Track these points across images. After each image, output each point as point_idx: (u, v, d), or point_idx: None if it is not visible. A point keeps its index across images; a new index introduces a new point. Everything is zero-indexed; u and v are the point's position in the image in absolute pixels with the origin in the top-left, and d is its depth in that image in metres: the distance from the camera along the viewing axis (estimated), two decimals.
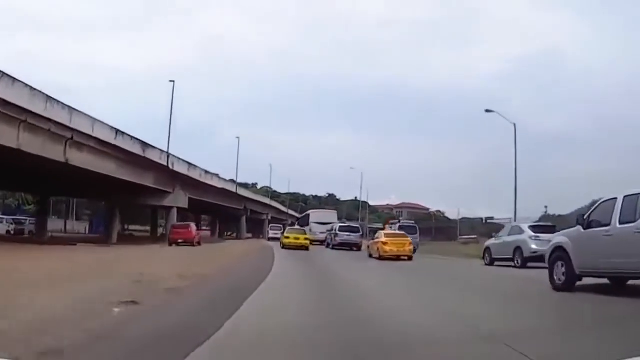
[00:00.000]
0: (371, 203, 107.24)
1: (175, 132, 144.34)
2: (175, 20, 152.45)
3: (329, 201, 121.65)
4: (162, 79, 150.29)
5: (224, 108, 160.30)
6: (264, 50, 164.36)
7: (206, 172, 53.86)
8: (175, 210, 48.06)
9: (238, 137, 74.25)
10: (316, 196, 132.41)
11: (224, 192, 62.46)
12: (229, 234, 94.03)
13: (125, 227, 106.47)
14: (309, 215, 58.61)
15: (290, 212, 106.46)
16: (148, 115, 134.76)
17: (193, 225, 41.52)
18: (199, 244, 37.50)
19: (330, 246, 40.78)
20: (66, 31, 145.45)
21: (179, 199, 48.25)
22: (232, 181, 68.83)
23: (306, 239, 37.78)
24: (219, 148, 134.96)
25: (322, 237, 46.41)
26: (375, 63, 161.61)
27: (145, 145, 39.27)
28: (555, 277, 12.33)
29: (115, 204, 47.87)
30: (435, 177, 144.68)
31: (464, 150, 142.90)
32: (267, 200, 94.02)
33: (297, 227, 48.63)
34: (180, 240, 36.04)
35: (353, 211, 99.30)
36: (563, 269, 12.06)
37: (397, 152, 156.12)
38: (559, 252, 12.30)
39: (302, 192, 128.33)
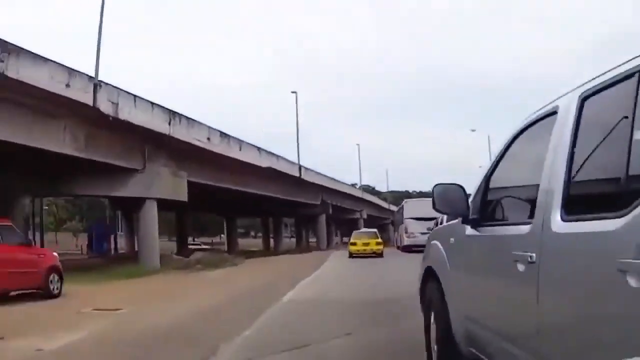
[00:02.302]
0: None
1: (281, 138, 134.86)
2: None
3: None
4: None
5: (320, 111, 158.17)
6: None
7: (224, 134, 30.35)
8: (151, 205, 24.89)
9: (295, 92, 51.07)
10: (421, 192, 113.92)
11: (275, 175, 39.04)
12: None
13: (193, 238, 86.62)
14: (402, 207, 40.70)
15: (392, 207, 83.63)
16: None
17: None
18: (58, 294, 13.25)
19: None
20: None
21: (159, 184, 24.83)
22: (295, 164, 45.23)
23: (378, 243, 31.85)
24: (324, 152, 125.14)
25: (422, 239, 24.84)
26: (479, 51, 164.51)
27: (11, 49, 16.37)
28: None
29: (17, 196, 24.44)
30: None
31: None
32: (356, 192, 70.16)
33: (366, 229, 39.39)
34: None
35: None
36: (434, 329, 4.52)
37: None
38: (432, 284, 4.68)
39: (405, 190, 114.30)
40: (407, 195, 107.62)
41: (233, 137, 31.53)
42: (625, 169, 2.13)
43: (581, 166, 2.52)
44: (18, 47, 16.83)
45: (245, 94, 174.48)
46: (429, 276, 4.67)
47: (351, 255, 30.44)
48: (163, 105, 24.51)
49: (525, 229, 2.85)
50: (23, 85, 17.04)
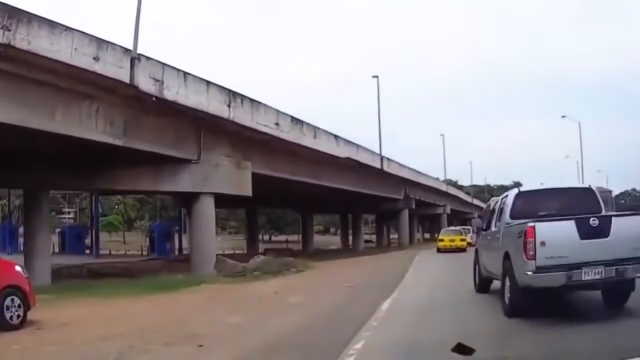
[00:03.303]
0: None
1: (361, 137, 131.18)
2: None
3: None
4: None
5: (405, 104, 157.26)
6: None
7: (295, 119, 25.99)
8: (206, 201, 21.07)
9: (377, 76, 46.34)
10: (502, 185, 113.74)
11: (355, 167, 34.63)
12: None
13: (269, 236, 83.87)
14: (489, 206, 32.67)
15: (476, 202, 79.11)
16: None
17: None
18: (19, 325, 9.55)
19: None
20: None
21: (217, 176, 20.88)
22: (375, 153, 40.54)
23: (462, 239, 35.37)
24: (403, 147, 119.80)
25: None
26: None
27: (21, 15, 12.97)
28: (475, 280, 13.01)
29: (33, 191, 20.83)
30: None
31: None
32: (441, 186, 64.77)
33: (452, 227, 44.02)
34: None
35: None
36: (477, 270, 12.82)
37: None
38: (476, 254, 13.21)
39: (486, 183, 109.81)
40: (489, 189, 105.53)
41: (307, 123, 27.28)
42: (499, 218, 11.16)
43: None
44: (29, 13, 13.45)
45: (321, 86, 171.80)
46: (476, 251, 13.25)
47: (439, 250, 34.79)
48: (221, 85, 20.62)
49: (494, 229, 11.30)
50: (39, 59, 13.65)
